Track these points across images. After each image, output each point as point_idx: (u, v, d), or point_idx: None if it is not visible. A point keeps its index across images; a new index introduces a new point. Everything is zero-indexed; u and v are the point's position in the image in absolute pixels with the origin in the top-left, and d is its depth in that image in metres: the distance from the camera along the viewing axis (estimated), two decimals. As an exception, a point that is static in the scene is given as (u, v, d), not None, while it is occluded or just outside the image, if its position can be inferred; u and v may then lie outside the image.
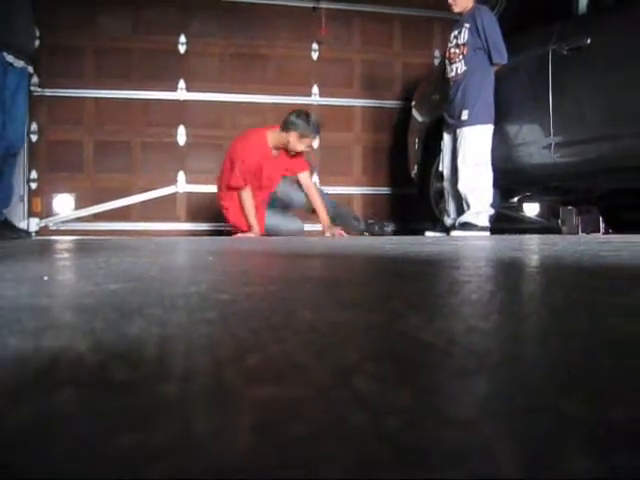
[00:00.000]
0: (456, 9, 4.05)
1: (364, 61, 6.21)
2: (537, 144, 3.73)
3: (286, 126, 4.28)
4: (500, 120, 4.00)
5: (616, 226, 5.19)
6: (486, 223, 3.90)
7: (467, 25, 3.94)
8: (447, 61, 4.13)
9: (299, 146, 4.28)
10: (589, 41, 3.39)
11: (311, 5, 5.98)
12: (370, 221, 4.83)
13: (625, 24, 3.30)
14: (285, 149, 4.35)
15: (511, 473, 0.23)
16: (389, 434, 0.27)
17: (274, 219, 4.40)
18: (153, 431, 0.28)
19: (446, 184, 4.13)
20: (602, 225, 5.69)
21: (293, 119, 4.28)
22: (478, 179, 3.83)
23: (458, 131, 3.91)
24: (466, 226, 3.87)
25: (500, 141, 3.99)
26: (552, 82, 3.59)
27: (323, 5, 5.98)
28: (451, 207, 4.12)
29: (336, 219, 4.50)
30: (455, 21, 4.17)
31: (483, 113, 3.85)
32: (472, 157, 3.82)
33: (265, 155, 4.30)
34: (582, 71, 3.47)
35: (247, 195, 4.26)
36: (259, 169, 4.27)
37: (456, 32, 4.04)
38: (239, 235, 4.33)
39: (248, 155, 4.24)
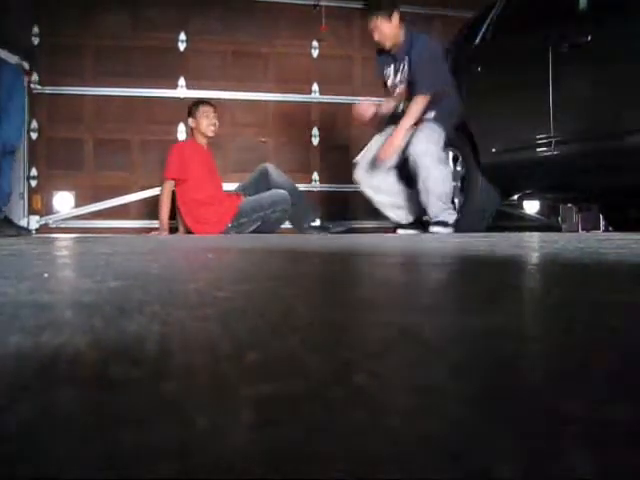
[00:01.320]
0: (388, 44, 4.06)
1: (364, 59, 6.20)
2: (537, 141, 3.73)
3: (189, 121, 4.67)
4: (501, 117, 4.00)
5: (616, 224, 5.19)
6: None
7: (408, 57, 4.00)
8: (399, 97, 4.15)
9: (205, 121, 4.58)
10: (589, 38, 3.39)
11: (311, 3, 5.98)
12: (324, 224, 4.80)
13: (625, 21, 3.29)
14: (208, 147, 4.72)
15: (509, 473, 0.23)
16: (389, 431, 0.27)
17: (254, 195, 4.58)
18: (153, 429, 0.28)
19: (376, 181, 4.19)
20: (602, 223, 5.69)
21: (187, 114, 4.70)
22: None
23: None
24: (442, 224, 3.92)
25: (501, 138, 3.99)
26: (552, 79, 3.59)
27: (323, 3, 5.97)
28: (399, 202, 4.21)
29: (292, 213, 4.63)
30: (387, 53, 4.13)
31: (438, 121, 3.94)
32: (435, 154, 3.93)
33: (194, 149, 4.60)
34: (582, 68, 3.47)
35: (167, 188, 4.53)
36: (188, 159, 4.52)
37: (397, 65, 4.07)
38: (153, 233, 4.61)
39: (175, 149, 4.63)
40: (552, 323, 0.57)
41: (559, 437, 0.26)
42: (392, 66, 4.10)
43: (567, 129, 3.55)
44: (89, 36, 5.65)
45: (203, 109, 4.60)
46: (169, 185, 4.53)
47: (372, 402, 0.32)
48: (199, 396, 0.33)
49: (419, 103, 3.93)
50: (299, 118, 5.96)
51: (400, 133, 3.94)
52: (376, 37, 4.08)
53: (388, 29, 4.03)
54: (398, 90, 4.11)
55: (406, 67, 4.00)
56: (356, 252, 1.85)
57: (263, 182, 4.64)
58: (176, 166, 4.49)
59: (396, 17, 4.06)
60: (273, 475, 0.23)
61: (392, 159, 3.99)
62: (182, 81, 5.79)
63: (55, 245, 2.61)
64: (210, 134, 4.61)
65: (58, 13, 5.57)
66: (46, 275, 1.07)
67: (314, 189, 5.91)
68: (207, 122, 4.57)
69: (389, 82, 4.15)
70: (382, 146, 4.00)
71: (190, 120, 4.62)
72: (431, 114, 3.97)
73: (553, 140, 3.62)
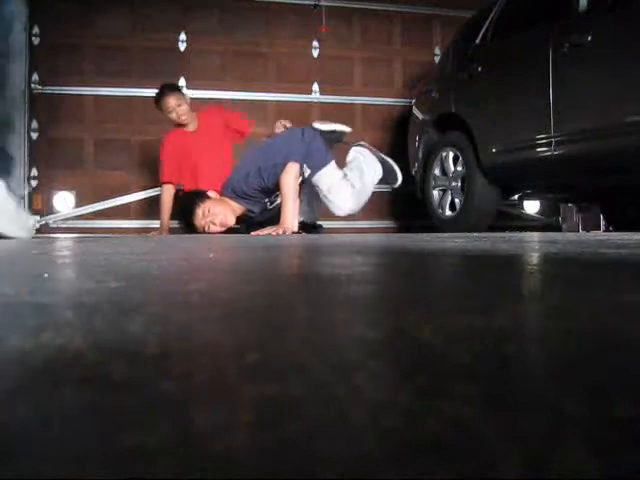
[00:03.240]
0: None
1: (364, 59, 6.21)
2: (538, 141, 3.73)
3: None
4: (501, 117, 4.00)
5: (616, 224, 5.19)
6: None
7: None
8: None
9: (173, 115, 4.39)
10: (590, 38, 3.39)
11: (312, 3, 5.98)
12: None
13: (625, 21, 3.30)
14: (198, 125, 4.51)
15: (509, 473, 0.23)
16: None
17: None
18: (152, 430, 0.28)
19: None
20: (602, 223, 5.70)
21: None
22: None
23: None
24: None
25: (501, 138, 4.00)
26: (553, 79, 3.59)
27: (324, 3, 5.97)
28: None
29: None
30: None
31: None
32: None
33: (178, 141, 4.44)
34: (583, 68, 3.47)
35: (165, 192, 4.44)
36: (174, 157, 4.42)
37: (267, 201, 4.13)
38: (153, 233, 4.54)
39: (161, 149, 4.50)
40: (553, 323, 0.57)
41: (559, 437, 0.26)
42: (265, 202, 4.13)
43: (567, 129, 3.55)
44: (89, 36, 5.65)
45: (165, 107, 4.40)
46: (166, 188, 4.46)
47: (372, 402, 0.32)
48: (200, 396, 0.33)
49: (289, 173, 3.88)
50: (299, 118, 5.95)
51: (289, 216, 3.87)
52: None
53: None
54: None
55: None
56: (354, 251, 1.85)
57: None
58: (167, 168, 4.41)
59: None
60: (273, 475, 0.23)
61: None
62: (182, 81, 5.79)
63: (55, 245, 2.60)
64: (184, 122, 4.45)
65: (58, 13, 5.57)
66: (46, 275, 1.07)
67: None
68: (175, 116, 4.41)
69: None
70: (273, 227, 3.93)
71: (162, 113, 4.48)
72: (306, 172, 3.98)
73: (553, 140, 3.62)
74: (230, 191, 4.01)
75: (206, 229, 3.88)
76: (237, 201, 4.00)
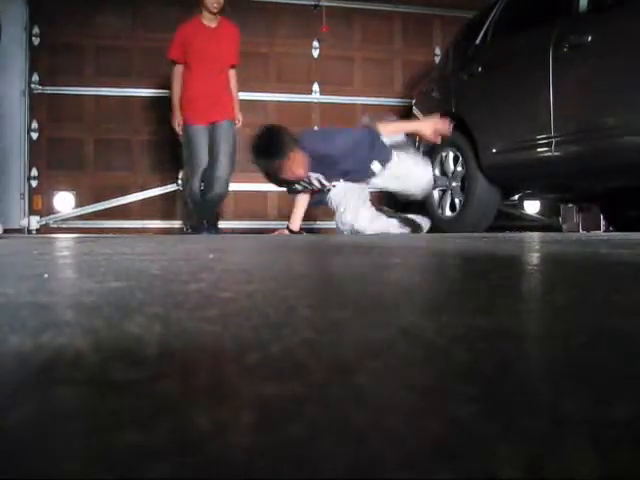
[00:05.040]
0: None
1: (365, 59, 6.21)
2: (538, 141, 3.73)
3: None
4: (501, 117, 4.00)
5: (617, 224, 5.19)
6: None
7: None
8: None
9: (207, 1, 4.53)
10: (590, 38, 3.39)
11: (312, 3, 5.98)
12: None
13: (625, 21, 3.29)
14: (221, 22, 4.71)
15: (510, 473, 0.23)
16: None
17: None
18: (153, 430, 0.28)
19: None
20: (603, 223, 5.69)
21: None
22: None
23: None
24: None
25: (501, 138, 3.99)
26: (553, 79, 3.59)
27: (324, 3, 5.97)
28: None
29: None
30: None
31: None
32: None
33: (196, 27, 4.62)
34: (582, 68, 3.47)
35: (174, 72, 4.68)
36: (188, 38, 4.59)
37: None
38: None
39: (178, 29, 4.68)
40: (553, 324, 0.57)
41: (559, 437, 0.26)
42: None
43: (567, 129, 3.55)
44: (89, 36, 5.65)
45: None
46: (176, 69, 4.62)
47: (372, 402, 0.32)
48: (200, 396, 0.33)
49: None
50: (300, 118, 5.96)
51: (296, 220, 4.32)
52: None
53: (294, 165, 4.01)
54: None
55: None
56: (355, 251, 1.85)
57: None
58: (175, 45, 4.57)
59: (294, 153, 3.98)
60: (273, 475, 0.23)
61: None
62: (182, 81, 5.78)
63: (56, 245, 2.61)
64: (213, 10, 4.57)
65: (58, 13, 5.57)
66: (46, 275, 1.07)
67: (314, 189, 5.91)
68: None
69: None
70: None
71: None
72: (376, 167, 4.13)
73: (553, 140, 3.62)
74: (314, 157, 4.05)
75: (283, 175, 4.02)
76: (312, 168, 4.08)
